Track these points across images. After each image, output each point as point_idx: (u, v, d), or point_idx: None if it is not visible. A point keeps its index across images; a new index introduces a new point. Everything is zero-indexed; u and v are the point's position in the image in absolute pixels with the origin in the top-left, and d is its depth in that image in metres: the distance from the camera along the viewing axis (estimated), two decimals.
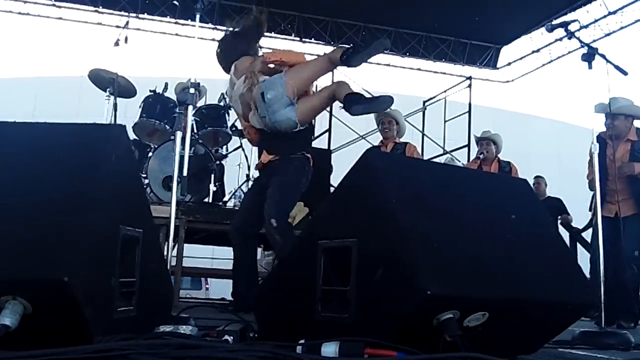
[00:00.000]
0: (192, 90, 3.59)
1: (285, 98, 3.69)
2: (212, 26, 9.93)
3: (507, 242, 2.32)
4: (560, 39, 9.52)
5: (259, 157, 4.08)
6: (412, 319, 1.97)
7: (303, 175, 3.86)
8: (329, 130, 9.07)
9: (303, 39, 10.38)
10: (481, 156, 6.45)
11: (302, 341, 1.96)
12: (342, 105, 3.72)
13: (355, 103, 3.64)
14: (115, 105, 6.03)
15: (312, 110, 3.91)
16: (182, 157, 3.37)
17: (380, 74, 11.68)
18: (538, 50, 10.42)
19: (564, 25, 3.75)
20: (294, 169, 3.83)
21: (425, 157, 9.63)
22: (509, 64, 11.08)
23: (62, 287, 1.65)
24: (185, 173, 3.36)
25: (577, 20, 3.96)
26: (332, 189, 6.25)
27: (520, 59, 10.85)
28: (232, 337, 2.04)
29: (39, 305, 1.71)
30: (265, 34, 10.21)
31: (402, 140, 6.35)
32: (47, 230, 1.76)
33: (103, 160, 1.98)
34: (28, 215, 1.81)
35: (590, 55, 3.65)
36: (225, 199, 6.23)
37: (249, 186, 6.73)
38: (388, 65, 10.81)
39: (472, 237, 2.23)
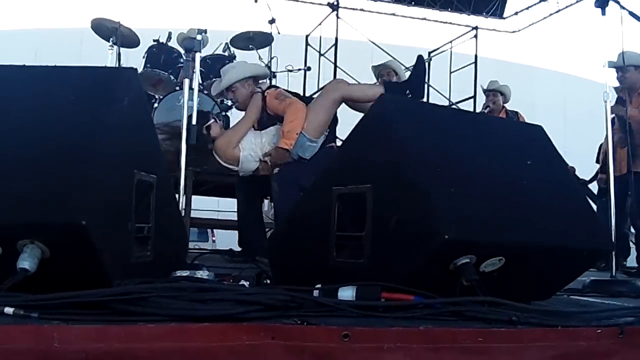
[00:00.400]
0: (198, 37, 3.55)
1: (317, 145, 4.04)
2: None
3: (523, 187, 2.30)
4: None
5: None
6: (429, 264, 1.97)
7: (329, 157, 3.97)
8: None
9: None
10: (486, 110, 6.38)
11: (318, 285, 1.97)
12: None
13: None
14: (118, 55, 5.95)
15: (326, 125, 4.13)
16: (190, 105, 3.34)
17: (385, 23, 11.50)
18: (546, 0, 10.21)
19: None
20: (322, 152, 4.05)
21: None
22: (516, 13, 10.87)
23: (79, 231, 1.64)
24: (194, 122, 3.32)
25: None
26: (338, 141, 6.22)
27: (527, 8, 10.64)
28: (248, 282, 2.04)
29: (57, 249, 1.70)
30: None
31: None
32: (62, 175, 1.74)
33: (115, 103, 1.95)
34: (43, 160, 1.79)
35: (604, 1, 3.57)
36: None
37: None
38: (393, 14, 10.61)
39: (488, 183, 2.22)
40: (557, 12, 10.16)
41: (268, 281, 2.39)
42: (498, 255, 2.05)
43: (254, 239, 4.23)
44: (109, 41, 6.08)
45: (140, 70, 5.90)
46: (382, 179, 2.16)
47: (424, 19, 10.80)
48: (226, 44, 6.30)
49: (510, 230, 2.12)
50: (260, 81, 4.52)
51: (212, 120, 4.31)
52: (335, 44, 9.13)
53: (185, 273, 2.06)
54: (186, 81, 3.38)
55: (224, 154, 4.16)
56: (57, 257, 1.72)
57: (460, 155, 2.24)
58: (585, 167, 7.57)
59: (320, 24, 9.66)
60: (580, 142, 10.38)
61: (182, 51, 5.87)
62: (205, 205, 9.07)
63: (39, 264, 1.69)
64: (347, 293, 1.89)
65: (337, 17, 9.24)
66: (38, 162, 1.78)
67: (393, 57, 8.15)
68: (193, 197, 5.28)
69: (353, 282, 1.92)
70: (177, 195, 4.06)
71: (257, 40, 6.63)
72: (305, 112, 4.03)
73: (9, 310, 1.48)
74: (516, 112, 6.39)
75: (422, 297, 1.87)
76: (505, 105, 6.44)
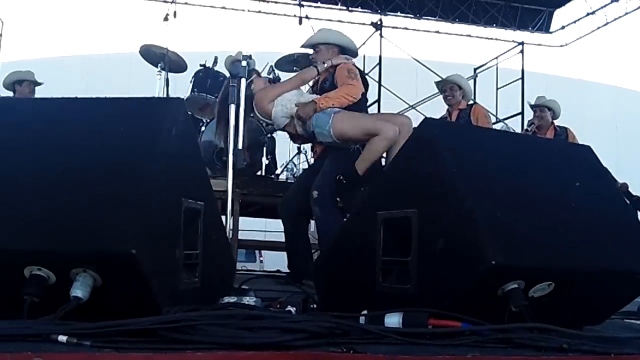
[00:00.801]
0: (244, 63, 3.60)
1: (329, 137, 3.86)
2: None
3: (571, 210, 2.26)
4: (617, 0, 9.17)
5: (312, 148, 4.32)
6: (476, 290, 1.95)
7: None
8: (378, 100, 8.99)
9: (349, 8, 10.25)
10: (530, 128, 6.23)
11: (364, 312, 1.96)
12: None
13: None
14: (167, 80, 6.07)
15: (348, 139, 3.93)
16: (237, 129, 3.39)
17: (429, 41, 11.48)
18: (593, 13, 10.04)
19: None
20: (350, 155, 3.91)
21: None
22: (563, 27, 10.71)
23: (130, 260, 1.68)
24: (240, 146, 3.37)
25: None
26: (382, 160, 6.19)
27: (575, 22, 10.48)
28: (294, 308, 2.05)
29: (108, 277, 1.75)
30: (311, 4, 10.16)
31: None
32: (112, 204, 1.79)
33: (163, 133, 2.00)
34: (93, 190, 1.84)
35: None
36: (278, 171, 6.25)
37: (302, 163, 6.77)
38: (437, 32, 10.60)
39: (535, 206, 2.19)
40: (605, 25, 9.98)
41: (314, 306, 2.39)
42: (547, 280, 2.01)
43: (299, 262, 4.23)
44: (157, 66, 6.21)
45: (187, 94, 6.01)
46: (427, 203, 2.15)
47: (469, 35, 10.74)
48: (271, 66, 6.36)
49: (559, 254, 2.08)
50: (345, 56, 4.29)
51: (255, 75, 4.29)
52: (379, 63, 9.16)
53: (232, 299, 2.09)
54: (232, 106, 3.43)
55: (259, 106, 4.08)
56: (108, 285, 1.76)
57: (506, 178, 2.22)
58: (637, 181, 7.36)
59: (364, 43, 9.70)
60: (634, 156, 10.13)
61: (227, 75, 5.96)
62: (253, 226, 9.16)
63: (91, 292, 1.73)
64: (393, 320, 1.88)
65: (381, 37, 9.28)
66: (88, 191, 1.84)
67: (437, 74, 8.12)
68: (240, 218, 5.35)
69: (399, 309, 1.91)
70: (224, 218, 4.12)
71: (301, 62, 6.67)
72: (356, 101, 3.94)
73: (62, 338, 1.53)
74: (565, 128, 6.22)
75: (469, 323, 1.84)
76: (555, 121, 6.29)
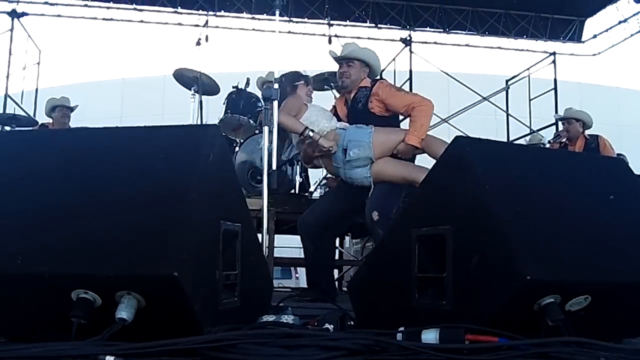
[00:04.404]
0: (275, 86, 3.66)
1: (367, 160, 3.87)
2: (288, 19, 10.03)
3: (606, 223, 2.26)
4: None
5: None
6: (512, 305, 1.95)
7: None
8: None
9: (378, 25, 10.32)
10: (555, 140, 6.17)
11: (401, 328, 1.98)
12: None
13: None
14: (200, 103, 6.19)
15: (387, 177, 3.90)
16: (270, 151, 3.46)
17: (459, 54, 11.48)
18: (625, 20, 9.94)
19: None
20: None
21: (511, 138, 9.42)
22: (595, 36, 10.62)
23: (172, 282, 1.73)
24: (274, 166, 3.44)
25: None
26: None
27: (607, 30, 10.39)
28: (332, 326, 2.09)
29: (152, 299, 1.81)
30: (340, 22, 10.24)
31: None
32: (155, 228, 1.86)
33: (202, 159, 2.06)
34: (136, 215, 1.92)
35: None
36: (311, 189, 6.31)
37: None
38: (467, 45, 10.59)
39: (569, 220, 2.19)
40: (638, 32, 9.86)
41: (352, 323, 2.42)
42: (583, 293, 2.01)
43: (319, 278, 4.25)
44: (190, 89, 6.33)
45: (221, 115, 6.11)
46: (461, 220, 2.17)
47: (499, 47, 10.71)
48: None
49: (595, 268, 2.08)
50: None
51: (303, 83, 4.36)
52: (410, 78, 9.19)
53: (271, 317, 2.13)
54: (265, 128, 3.50)
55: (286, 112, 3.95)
56: (152, 307, 1.82)
57: (540, 193, 2.23)
58: None
59: (393, 59, 9.75)
60: None
61: (259, 95, 6.06)
62: (288, 243, 9.22)
63: (135, 314, 1.80)
64: (430, 336, 1.90)
65: (411, 52, 9.32)
66: (132, 217, 1.91)
67: (468, 87, 8.11)
68: (276, 236, 5.41)
69: (436, 325, 1.93)
70: (259, 236, 4.16)
71: (332, 80, 6.74)
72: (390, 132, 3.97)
73: (109, 358, 1.59)
74: (597, 136, 6.10)
75: (506, 338, 1.86)
76: (588, 129, 6.20)
